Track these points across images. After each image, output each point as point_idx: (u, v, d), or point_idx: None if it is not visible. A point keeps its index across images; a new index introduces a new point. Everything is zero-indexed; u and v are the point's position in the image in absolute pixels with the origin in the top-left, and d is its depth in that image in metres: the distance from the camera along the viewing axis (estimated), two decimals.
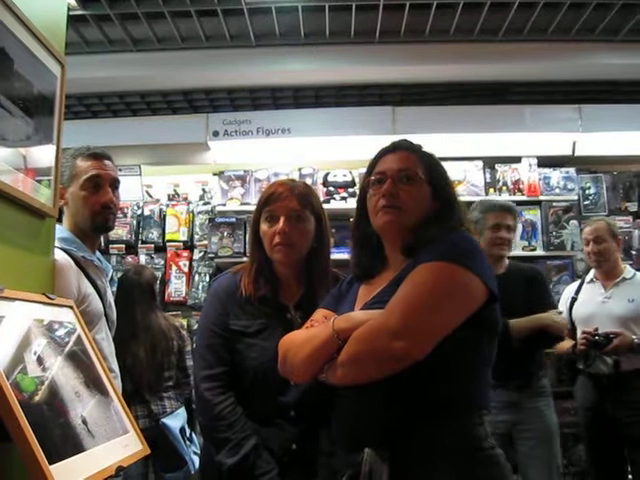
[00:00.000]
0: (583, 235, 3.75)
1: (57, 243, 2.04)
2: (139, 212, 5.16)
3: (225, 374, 1.93)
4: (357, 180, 5.05)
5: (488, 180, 5.07)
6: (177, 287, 4.92)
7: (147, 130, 5.13)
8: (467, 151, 5.04)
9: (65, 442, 1.26)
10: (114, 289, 3.41)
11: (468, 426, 1.49)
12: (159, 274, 4.93)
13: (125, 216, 5.04)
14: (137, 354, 3.48)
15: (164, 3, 4.17)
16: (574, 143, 5.02)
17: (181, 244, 5.04)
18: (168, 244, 5.04)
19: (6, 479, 1.39)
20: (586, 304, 3.64)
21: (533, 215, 4.89)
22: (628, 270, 3.70)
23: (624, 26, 4.53)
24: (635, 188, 5.10)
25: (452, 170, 4.75)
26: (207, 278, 4.85)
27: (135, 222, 5.11)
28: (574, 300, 3.72)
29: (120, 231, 5.01)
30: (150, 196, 5.34)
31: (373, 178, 1.70)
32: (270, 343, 1.88)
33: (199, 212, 5.10)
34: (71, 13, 3.91)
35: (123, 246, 5.03)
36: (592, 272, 3.76)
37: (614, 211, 5.02)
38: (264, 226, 2.01)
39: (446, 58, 4.78)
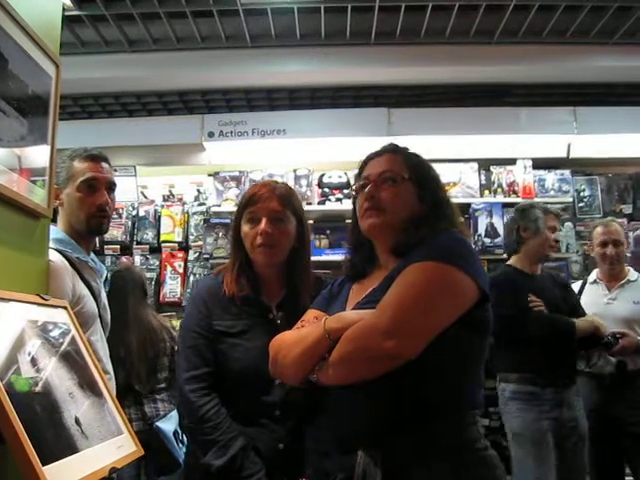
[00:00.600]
0: (597, 236, 3.68)
1: (52, 244, 2.03)
2: (134, 213, 5.16)
3: (209, 375, 1.93)
4: (352, 181, 5.05)
5: (483, 182, 5.08)
6: (172, 288, 4.92)
7: (142, 131, 5.13)
8: (462, 153, 5.06)
9: (59, 443, 1.26)
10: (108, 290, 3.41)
11: (461, 426, 1.49)
12: (154, 275, 4.94)
13: (120, 217, 5.04)
14: (129, 344, 3.48)
15: (160, 4, 4.16)
16: (569, 145, 5.04)
17: (176, 245, 5.05)
18: (163, 245, 5.04)
19: None
20: (590, 305, 3.58)
21: None
22: (632, 272, 3.69)
23: (619, 29, 4.54)
24: (630, 190, 5.12)
25: (447, 172, 4.88)
26: None
27: (130, 223, 5.12)
28: None
29: (115, 232, 5.01)
30: (145, 197, 5.34)
31: (359, 183, 1.73)
32: (254, 344, 1.93)
33: (194, 213, 5.10)
34: (66, 13, 3.88)
35: (118, 247, 5.03)
36: (595, 273, 3.75)
37: (609, 213, 5.04)
38: (245, 227, 2.02)
39: (441, 60, 4.78)
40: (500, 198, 5.01)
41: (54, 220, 2.13)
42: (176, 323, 4.41)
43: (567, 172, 5.07)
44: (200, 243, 4.95)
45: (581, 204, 5.07)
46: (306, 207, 4.93)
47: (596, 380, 3.49)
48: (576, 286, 3.81)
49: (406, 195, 1.64)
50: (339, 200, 4.99)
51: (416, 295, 1.44)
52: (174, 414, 3.65)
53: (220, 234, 4.85)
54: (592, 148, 5.04)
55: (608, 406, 3.45)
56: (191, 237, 5.03)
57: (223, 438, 1.85)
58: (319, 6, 4.25)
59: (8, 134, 1.57)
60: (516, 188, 5.02)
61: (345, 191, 5.01)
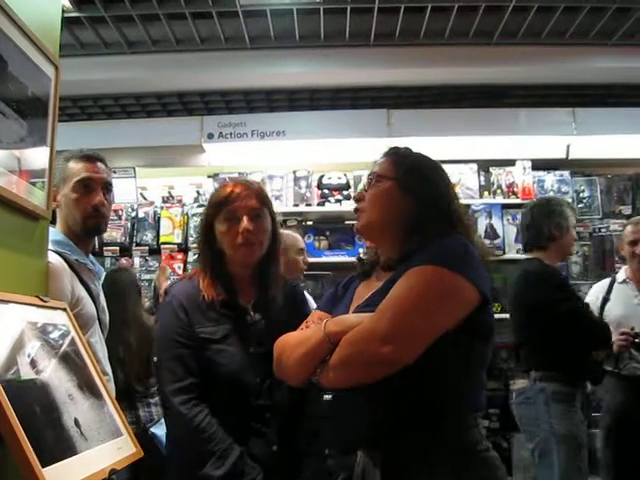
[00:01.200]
0: (627, 235, 3.66)
1: (51, 246, 2.03)
2: (133, 214, 5.15)
3: (195, 386, 1.88)
4: (352, 182, 5.06)
5: (482, 183, 5.09)
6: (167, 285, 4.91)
7: (142, 132, 5.13)
8: (461, 154, 5.06)
9: (58, 445, 1.26)
10: None
11: (463, 428, 1.49)
12: (153, 276, 4.93)
13: (119, 218, 5.04)
14: (129, 345, 3.47)
15: (159, 5, 4.16)
16: (568, 146, 5.04)
17: (175, 246, 5.04)
18: (162, 246, 5.03)
19: None
20: (620, 305, 3.60)
21: None
22: None
23: (618, 30, 4.55)
24: (629, 191, 5.12)
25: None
26: None
27: (129, 224, 5.11)
28: (606, 300, 3.67)
29: (114, 233, 5.00)
30: (144, 198, 5.34)
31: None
32: (237, 348, 1.91)
33: (193, 214, 5.09)
34: (66, 15, 3.90)
35: (117, 248, 5.02)
36: (623, 272, 3.74)
37: (608, 214, 5.05)
38: (222, 226, 1.97)
39: (440, 61, 4.78)
40: (499, 199, 5.02)
41: (53, 222, 2.12)
42: None
43: (566, 173, 5.08)
44: None
45: (580, 205, 5.07)
46: (305, 208, 4.99)
47: (625, 381, 3.47)
48: (604, 284, 3.79)
49: (383, 192, 1.65)
50: (338, 201, 4.99)
51: (414, 299, 1.44)
52: None
53: None
54: (591, 149, 5.04)
55: (635, 408, 3.42)
56: (190, 239, 5.02)
57: (219, 448, 1.81)
58: (318, 7, 4.25)
59: (7, 136, 1.57)
60: (515, 189, 5.03)
61: (344, 192, 5.01)
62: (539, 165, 5.04)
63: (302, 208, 5.06)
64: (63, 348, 1.54)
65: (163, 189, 5.40)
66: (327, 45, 4.75)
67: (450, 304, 1.46)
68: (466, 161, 5.06)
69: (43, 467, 1.15)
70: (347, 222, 5.00)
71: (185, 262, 4.96)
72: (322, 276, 4.92)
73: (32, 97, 1.72)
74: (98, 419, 1.48)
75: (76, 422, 1.36)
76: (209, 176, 5.24)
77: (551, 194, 5.00)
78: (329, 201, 5.02)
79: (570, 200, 4.96)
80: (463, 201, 4.72)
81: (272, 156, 5.19)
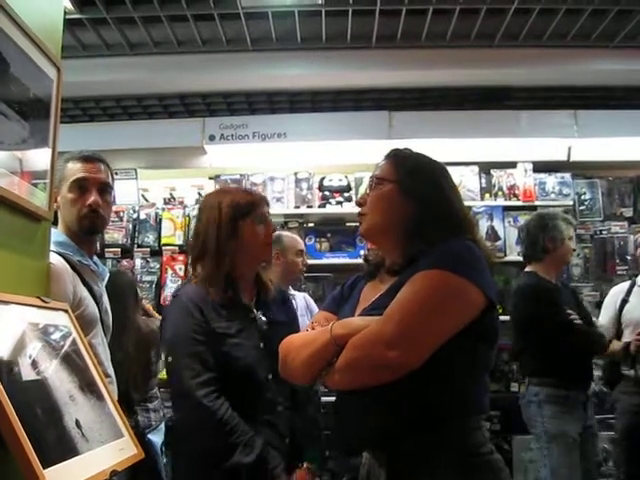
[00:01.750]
0: None
1: (53, 247, 2.03)
2: (135, 216, 5.14)
3: (214, 380, 1.96)
4: (353, 184, 5.06)
5: (484, 185, 5.08)
6: (173, 291, 4.91)
7: (143, 134, 5.13)
8: (463, 156, 5.05)
9: (59, 446, 1.26)
10: None
11: (467, 431, 1.49)
12: (155, 278, 4.94)
13: (121, 220, 5.03)
14: (127, 349, 3.46)
15: (161, 7, 4.16)
16: (569, 148, 5.04)
17: (177, 248, 5.03)
18: (164, 248, 5.02)
19: None
20: (639, 307, 3.65)
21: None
22: None
23: (619, 32, 4.55)
24: (630, 194, 5.12)
25: None
26: None
27: (131, 226, 5.10)
28: (625, 302, 3.74)
29: (116, 235, 5.00)
30: (146, 200, 5.34)
31: None
32: (251, 342, 2.06)
33: (195, 216, 5.08)
34: (68, 17, 3.90)
35: (119, 250, 5.01)
36: None
37: (609, 216, 5.04)
38: (256, 228, 2.14)
39: (442, 63, 4.78)
40: (501, 201, 5.01)
41: (55, 223, 2.13)
42: None
43: (568, 175, 5.07)
44: None
45: (582, 207, 5.06)
46: (307, 210, 4.99)
47: None
48: (624, 287, 3.85)
49: (384, 194, 1.65)
50: (339, 203, 4.99)
51: (420, 304, 1.44)
52: (162, 426, 3.65)
53: None
54: (593, 151, 5.04)
55: None
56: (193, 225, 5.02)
57: (244, 438, 1.91)
58: (320, 9, 4.26)
59: (9, 137, 1.57)
60: (517, 191, 5.02)
61: (346, 194, 5.02)
62: (540, 167, 5.03)
63: (303, 210, 5.05)
64: (64, 349, 1.54)
65: (164, 191, 5.40)
66: (329, 47, 4.75)
67: (456, 308, 1.46)
68: (467, 163, 5.06)
69: (44, 468, 1.15)
70: (348, 224, 5.01)
71: (186, 264, 4.95)
72: (323, 278, 4.93)
73: (34, 98, 1.72)
74: (99, 420, 1.48)
75: (77, 423, 1.36)
76: (210, 178, 5.24)
77: (552, 196, 5.00)
78: (330, 203, 5.02)
79: (571, 202, 4.97)
80: (464, 203, 4.79)
81: (273, 158, 5.19)
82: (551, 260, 3.50)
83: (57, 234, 2.15)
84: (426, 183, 1.64)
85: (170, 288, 4.90)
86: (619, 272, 4.76)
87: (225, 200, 2.14)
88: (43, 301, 1.59)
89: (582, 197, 5.08)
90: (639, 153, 5.00)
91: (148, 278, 4.94)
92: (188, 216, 5.11)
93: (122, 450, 1.48)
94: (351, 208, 1.63)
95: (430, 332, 1.43)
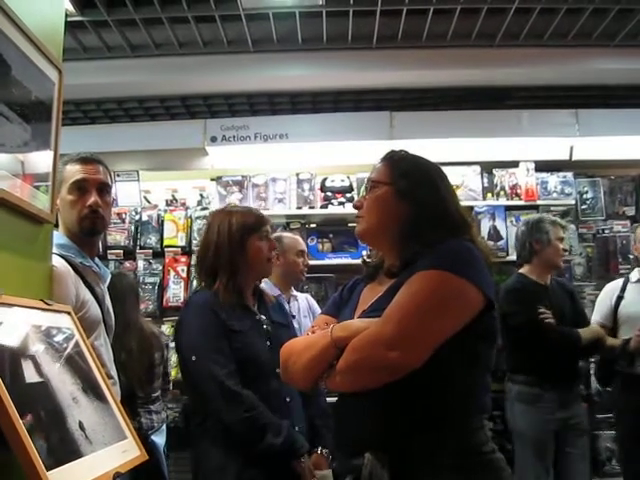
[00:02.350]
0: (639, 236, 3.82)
1: (55, 249, 2.03)
2: (137, 218, 5.15)
3: (236, 371, 2.19)
4: (355, 185, 5.06)
5: (486, 185, 5.08)
6: (175, 292, 4.91)
7: (145, 136, 5.13)
8: (465, 156, 5.05)
9: (63, 448, 1.26)
10: None
11: (468, 431, 1.50)
12: (157, 280, 4.94)
13: (123, 222, 5.04)
14: (130, 349, 3.46)
15: (162, 9, 4.16)
16: (571, 148, 5.03)
17: (179, 249, 5.04)
18: (166, 249, 5.03)
19: None
20: (635, 304, 3.67)
21: None
22: None
23: (620, 31, 4.54)
24: (632, 192, 5.12)
25: (449, 175, 4.82)
26: None
27: (133, 228, 5.11)
28: (620, 298, 3.76)
29: (118, 237, 5.01)
30: (148, 202, 5.34)
31: None
32: (260, 340, 2.32)
33: (197, 217, 5.09)
34: (69, 19, 3.91)
35: (121, 252, 5.02)
36: (637, 272, 3.81)
37: (611, 215, 5.04)
38: (261, 244, 2.41)
39: (443, 63, 4.78)
40: (503, 201, 5.01)
41: (57, 225, 2.13)
42: None
43: (569, 174, 5.06)
44: None
45: (584, 206, 5.06)
46: (309, 211, 5.00)
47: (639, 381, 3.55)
48: (618, 284, 3.86)
49: (381, 197, 1.66)
50: (342, 204, 4.99)
51: (420, 304, 1.45)
52: (164, 427, 3.66)
53: None
54: (594, 150, 5.03)
55: None
56: (194, 242, 5.01)
57: (271, 421, 2.15)
58: (321, 10, 4.25)
59: (11, 140, 1.58)
60: (519, 191, 5.01)
61: (347, 195, 5.01)
62: (542, 167, 5.03)
63: (305, 211, 5.05)
64: (67, 351, 1.54)
65: (167, 192, 5.40)
66: (329, 48, 4.75)
67: (455, 308, 1.46)
68: (469, 163, 5.06)
69: (48, 470, 1.15)
70: (350, 224, 5.00)
71: (189, 265, 4.96)
72: (325, 279, 4.93)
73: (36, 101, 1.72)
74: (102, 422, 1.48)
75: (80, 425, 1.36)
76: (212, 179, 5.24)
77: (554, 195, 4.99)
78: (332, 204, 5.02)
79: (573, 202, 4.97)
80: (466, 203, 4.83)
81: (275, 159, 5.19)
82: (539, 261, 3.64)
83: (58, 236, 2.15)
84: (421, 184, 1.65)
85: (173, 289, 4.90)
86: (622, 271, 4.74)
87: (235, 217, 2.41)
88: (46, 304, 1.59)
89: (584, 196, 5.08)
90: None
91: (150, 280, 4.95)
92: (190, 217, 5.11)
93: (125, 452, 1.49)
94: (353, 209, 1.66)
95: (430, 332, 1.43)
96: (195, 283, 4.90)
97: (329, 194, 5.05)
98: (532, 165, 5.01)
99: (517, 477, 3.34)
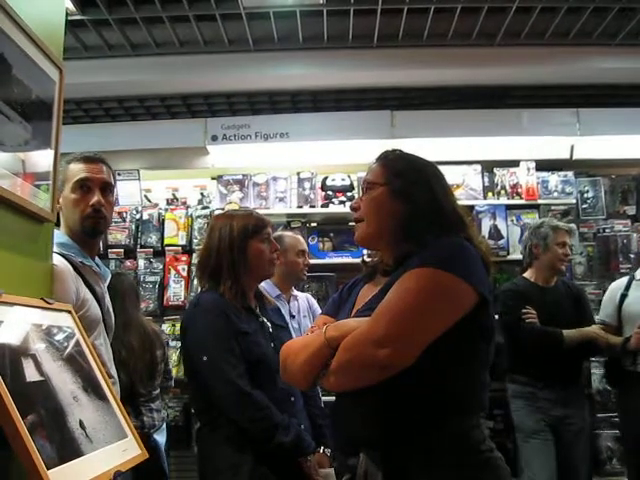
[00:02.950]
0: None
1: (55, 248, 2.03)
2: (138, 216, 5.14)
3: (246, 371, 2.23)
4: (355, 184, 5.05)
5: (486, 184, 5.07)
6: (176, 291, 4.91)
7: (146, 135, 5.13)
8: (465, 155, 5.05)
9: (63, 447, 1.26)
10: None
11: (465, 429, 1.50)
12: (158, 278, 4.94)
13: (124, 220, 5.04)
14: (131, 346, 3.46)
15: (162, 8, 4.17)
16: (572, 147, 5.03)
17: (180, 248, 5.03)
18: (167, 248, 5.03)
19: None
20: (638, 302, 3.66)
21: (531, 219, 4.88)
22: None
23: (621, 30, 4.54)
24: (633, 191, 5.10)
25: (450, 174, 4.87)
26: None
27: (134, 226, 5.11)
28: (624, 297, 3.74)
29: (119, 235, 5.01)
30: (149, 200, 5.34)
31: None
32: (265, 341, 2.37)
33: (198, 216, 5.09)
34: (70, 18, 3.92)
35: (122, 250, 5.02)
36: None
37: (612, 215, 5.03)
38: (263, 246, 2.45)
39: (444, 62, 4.78)
40: (503, 200, 5.00)
41: (58, 224, 2.13)
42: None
43: (570, 174, 5.06)
44: None
45: (584, 205, 5.05)
46: (309, 210, 5.00)
47: None
48: (622, 282, 3.85)
49: (377, 198, 1.66)
50: (342, 203, 4.98)
51: (409, 302, 1.44)
52: (164, 426, 3.66)
53: None
54: (595, 149, 5.03)
55: None
56: (195, 240, 5.02)
57: (281, 420, 2.20)
58: (321, 9, 4.26)
59: (12, 139, 1.58)
60: (519, 190, 5.01)
61: (348, 194, 5.01)
62: (543, 166, 5.02)
63: (306, 210, 5.05)
64: (68, 350, 1.55)
65: (167, 191, 5.40)
66: (330, 47, 4.75)
67: (445, 305, 1.46)
68: (470, 162, 5.05)
69: (48, 469, 1.16)
70: (351, 223, 4.98)
71: (189, 264, 4.96)
72: (326, 278, 4.92)
73: (36, 100, 1.72)
74: (103, 421, 1.48)
75: (81, 424, 1.36)
76: (213, 178, 5.24)
77: (555, 195, 4.99)
78: (333, 202, 5.02)
79: (574, 201, 4.96)
80: (467, 202, 4.83)
81: (276, 158, 5.19)
82: (539, 265, 3.75)
83: (59, 235, 2.15)
84: (415, 183, 1.64)
85: (173, 288, 4.90)
86: (622, 270, 4.74)
87: (236, 221, 2.44)
88: (46, 302, 1.59)
89: (585, 195, 5.07)
90: None
91: (151, 279, 4.95)
92: (191, 216, 5.11)
93: (126, 450, 1.49)
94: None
95: (420, 330, 1.43)
96: (196, 283, 4.91)
97: (330, 193, 5.05)
98: (533, 164, 5.01)
99: (525, 466, 3.49)
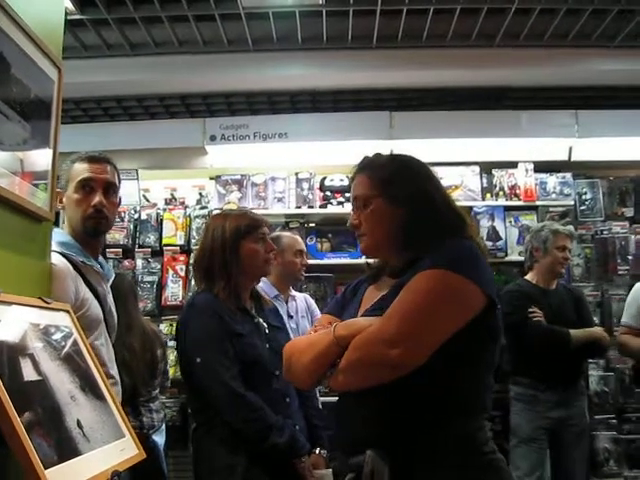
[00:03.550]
0: None
1: (57, 247, 2.04)
2: (136, 216, 5.14)
3: (239, 373, 2.23)
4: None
5: (485, 185, 5.07)
6: (174, 291, 4.91)
7: (144, 134, 5.12)
8: (464, 156, 5.05)
9: (61, 446, 1.26)
10: None
11: (470, 430, 1.50)
12: (156, 278, 4.94)
13: (122, 220, 5.03)
14: (133, 348, 3.45)
15: (162, 8, 4.16)
16: (570, 148, 5.03)
17: (178, 248, 5.03)
18: (165, 248, 5.02)
19: None
20: None
21: (530, 220, 4.90)
22: None
23: (620, 32, 4.55)
24: (631, 193, 5.10)
25: (449, 175, 4.89)
26: None
27: (132, 226, 5.10)
28: None
29: (117, 235, 5.00)
30: (147, 200, 5.33)
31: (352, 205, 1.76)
32: (261, 342, 2.36)
33: (196, 216, 5.08)
34: (69, 17, 3.91)
35: (120, 250, 5.02)
36: None
37: (610, 216, 5.03)
38: (257, 246, 2.43)
39: (443, 63, 4.78)
40: (502, 201, 5.00)
41: (57, 223, 2.13)
42: None
43: (569, 175, 5.06)
44: None
45: (583, 207, 5.05)
46: (308, 210, 5.00)
47: None
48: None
49: (380, 212, 1.65)
50: (341, 204, 4.98)
51: (421, 303, 1.45)
52: (164, 427, 3.66)
53: None
54: (593, 151, 5.03)
55: None
56: (193, 240, 5.02)
57: (275, 421, 2.21)
58: (321, 10, 4.26)
59: (10, 138, 1.58)
60: (518, 191, 5.01)
61: (347, 194, 5.01)
62: (541, 167, 5.03)
63: (304, 210, 5.05)
64: (65, 350, 1.54)
65: (165, 191, 5.39)
66: (329, 47, 4.75)
67: (457, 307, 1.47)
68: (468, 163, 5.06)
69: (46, 469, 1.15)
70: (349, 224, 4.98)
71: (187, 264, 4.96)
72: (324, 278, 4.93)
73: (35, 99, 1.73)
74: (100, 420, 1.48)
75: (79, 423, 1.36)
76: (211, 178, 5.24)
77: (553, 196, 4.99)
78: (331, 203, 5.02)
79: (572, 202, 4.96)
80: (465, 203, 4.83)
81: (274, 158, 5.18)
82: (539, 268, 3.79)
83: (61, 234, 2.16)
84: (407, 184, 1.65)
85: (171, 288, 4.90)
86: (620, 272, 4.76)
87: (229, 221, 2.44)
88: (44, 302, 1.59)
89: (583, 197, 5.07)
90: None
91: (149, 278, 4.95)
92: (189, 216, 5.11)
93: (123, 450, 1.49)
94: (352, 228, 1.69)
95: (431, 330, 1.44)
96: (194, 283, 4.90)
97: (328, 193, 5.05)
98: (531, 166, 5.01)
99: (513, 469, 3.41)
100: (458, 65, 4.78)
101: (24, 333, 1.39)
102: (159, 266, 5.00)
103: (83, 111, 5.49)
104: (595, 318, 3.88)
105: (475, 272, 1.48)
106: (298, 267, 3.71)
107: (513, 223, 4.94)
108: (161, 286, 4.94)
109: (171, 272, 4.95)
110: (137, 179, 5.13)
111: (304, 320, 3.69)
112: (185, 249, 5.05)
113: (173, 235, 5.05)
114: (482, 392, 1.55)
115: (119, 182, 2.35)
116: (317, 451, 2.43)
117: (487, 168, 5.09)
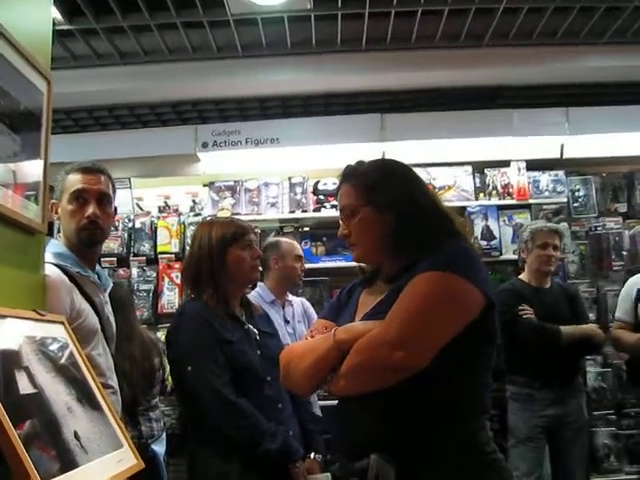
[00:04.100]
0: None
1: (52, 258, 2.03)
2: (130, 225, 5.14)
3: (230, 380, 2.23)
4: None
5: (478, 185, 5.09)
6: (170, 299, 4.90)
7: (136, 143, 5.12)
8: (456, 156, 5.06)
9: (58, 458, 1.26)
10: None
11: (471, 431, 1.51)
12: (151, 286, 4.93)
13: (116, 229, 5.02)
14: (133, 356, 3.44)
15: (150, 16, 4.16)
16: (562, 146, 5.04)
17: (173, 256, 5.03)
18: (160, 256, 5.02)
19: None
20: None
21: (523, 219, 4.91)
22: None
23: (608, 29, 4.55)
24: (624, 189, 5.12)
25: (441, 175, 4.89)
26: None
27: (126, 235, 5.10)
28: None
29: (111, 244, 4.99)
30: (141, 209, 5.33)
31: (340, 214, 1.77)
32: (251, 349, 2.36)
33: (190, 223, 5.08)
34: (57, 28, 3.90)
35: (115, 259, 5.01)
36: None
37: (604, 212, 5.05)
38: (243, 253, 2.44)
39: (433, 64, 4.78)
40: (495, 200, 5.02)
41: (50, 234, 2.12)
42: None
43: (561, 173, 5.08)
44: None
45: (576, 204, 5.06)
46: (302, 215, 5.00)
47: None
48: (639, 277, 3.83)
49: (369, 220, 1.65)
50: (334, 207, 4.97)
51: (422, 305, 1.46)
52: (164, 436, 3.64)
53: None
54: (585, 148, 5.04)
55: None
56: (188, 248, 5.01)
57: (267, 428, 2.20)
58: (309, 14, 4.26)
59: (1, 151, 1.57)
60: (511, 190, 5.02)
61: None
62: (534, 165, 5.04)
63: (298, 214, 5.06)
64: (61, 361, 1.54)
65: (159, 199, 5.40)
66: (319, 51, 4.75)
67: (457, 308, 1.48)
68: (460, 163, 5.07)
69: None
70: None
71: (182, 272, 4.94)
72: (319, 282, 4.93)
73: (25, 111, 1.72)
74: (98, 431, 1.48)
75: (76, 435, 1.36)
76: (205, 185, 5.24)
77: (546, 194, 5.01)
78: (325, 207, 5.02)
79: (565, 200, 4.98)
80: (458, 203, 4.83)
81: (267, 163, 5.18)
82: (528, 266, 3.83)
83: (56, 245, 2.15)
84: (392, 189, 1.65)
85: (167, 296, 4.90)
86: (615, 268, 4.77)
87: (215, 229, 2.46)
88: (39, 314, 1.59)
89: (576, 194, 5.09)
90: (631, 148, 5.02)
91: (145, 287, 4.94)
92: (183, 224, 5.11)
93: (121, 461, 1.48)
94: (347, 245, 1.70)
95: (434, 332, 1.44)
96: None
97: (322, 197, 5.06)
98: (523, 164, 5.02)
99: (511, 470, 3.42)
100: (448, 66, 4.78)
101: (19, 346, 1.38)
102: (154, 274, 5.00)
103: (74, 121, 5.48)
104: (591, 314, 3.88)
105: (473, 273, 1.49)
106: (298, 272, 3.73)
107: (507, 222, 4.95)
108: (157, 294, 4.93)
109: (167, 280, 4.95)
110: (130, 188, 5.13)
111: (301, 325, 3.69)
112: (180, 256, 5.04)
113: (168, 243, 5.05)
114: (482, 392, 1.56)
115: (114, 192, 2.35)
116: (312, 456, 2.42)
117: (479, 168, 5.11)
